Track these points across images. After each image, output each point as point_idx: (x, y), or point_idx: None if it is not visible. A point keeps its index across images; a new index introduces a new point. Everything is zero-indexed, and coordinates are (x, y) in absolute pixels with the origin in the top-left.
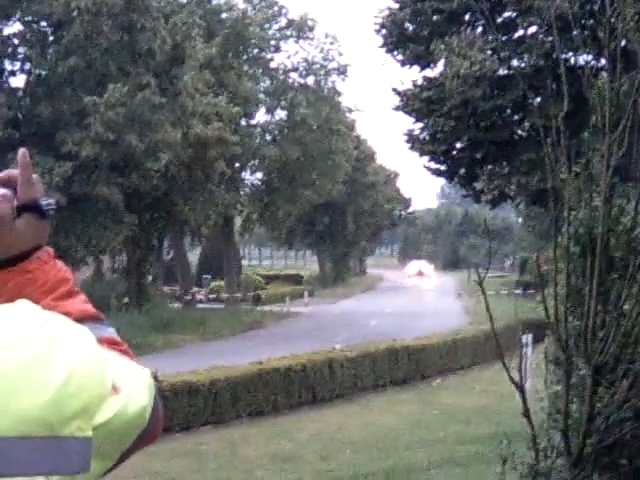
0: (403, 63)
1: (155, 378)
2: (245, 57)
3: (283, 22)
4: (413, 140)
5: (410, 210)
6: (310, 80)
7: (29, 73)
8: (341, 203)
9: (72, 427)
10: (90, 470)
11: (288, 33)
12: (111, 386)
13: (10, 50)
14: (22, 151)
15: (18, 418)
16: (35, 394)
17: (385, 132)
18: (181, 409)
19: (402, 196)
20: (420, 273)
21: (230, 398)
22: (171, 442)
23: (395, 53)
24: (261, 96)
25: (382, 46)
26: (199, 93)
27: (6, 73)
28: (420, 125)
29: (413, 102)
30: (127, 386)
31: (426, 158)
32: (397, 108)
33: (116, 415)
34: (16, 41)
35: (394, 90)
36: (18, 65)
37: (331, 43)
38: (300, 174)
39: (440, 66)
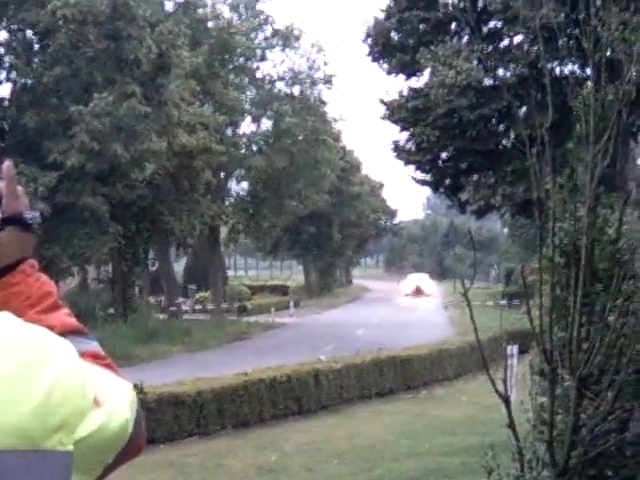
0: (389, 72)
1: (139, 390)
2: (231, 66)
3: (269, 31)
4: (399, 150)
5: (396, 221)
6: (296, 90)
7: (14, 82)
8: (327, 213)
9: (53, 441)
10: None
11: (274, 42)
12: (93, 400)
13: None
14: (7, 164)
15: (3, 431)
16: (16, 407)
17: (371, 142)
18: (166, 420)
19: (388, 207)
20: (418, 291)
21: (215, 409)
22: (156, 453)
23: (381, 62)
24: (247, 105)
25: (368, 55)
26: (185, 102)
27: None
28: (406, 135)
29: (399, 111)
30: (109, 400)
31: (412, 168)
32: (383, 117)
33: (98, 429)
34: (1, 50)
35: (380, 100)
36: (3, 74)
37: (317, 53)
38: (286, 184)
39: (426, 75)
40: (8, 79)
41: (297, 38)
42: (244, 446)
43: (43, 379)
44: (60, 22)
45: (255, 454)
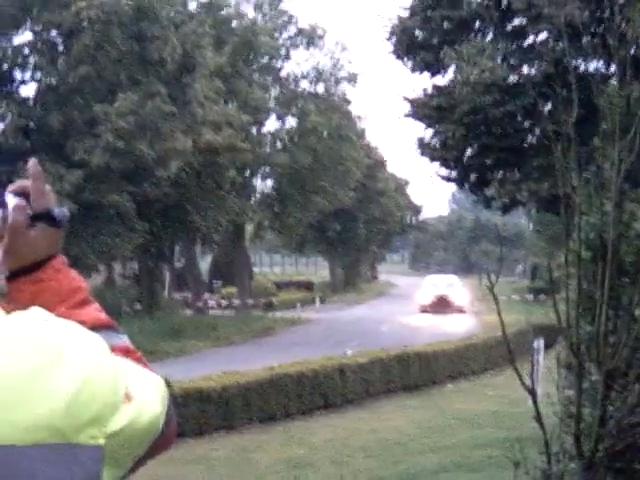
0: (413, 70)
1: (167, 384)
2: (255, 65)
3: (293, 31)
4: (424, 147)
5: (421, 217)
6: (320, 88)
7: (39, 82)
8: (352, 210)
9: (85, 435)
10: (103, 478)
11: (298, 41)
12: (124, 394)
13: (21, 59)
14: (33, 161)
15: (31, 426)
16: (48, 402)
17: (396, 140)
18: (193, 415)
19: (413, 203)
20: (443, 303)
21: (242, 404)
22: (183, 448)
23: (405, 60)
24: (271, 104)
25: (392, 53)
26: (209, 101)
27: (17, 82)
28: (431, 132)
29: (423, 109)
30: (140, 394)
31: (437, 164)
32: (408, 115)
33: (129, 423)
34: (27, 50)
35: (405, 98)
36: (29, 74)
37: (341, 51)
38: (311, 181)
39: (450, 73)
40: (33, 79)
41: (321, 37)
42: (271, 440)
43: (74, 374)
44: (84, 23)
45: (282, 448)
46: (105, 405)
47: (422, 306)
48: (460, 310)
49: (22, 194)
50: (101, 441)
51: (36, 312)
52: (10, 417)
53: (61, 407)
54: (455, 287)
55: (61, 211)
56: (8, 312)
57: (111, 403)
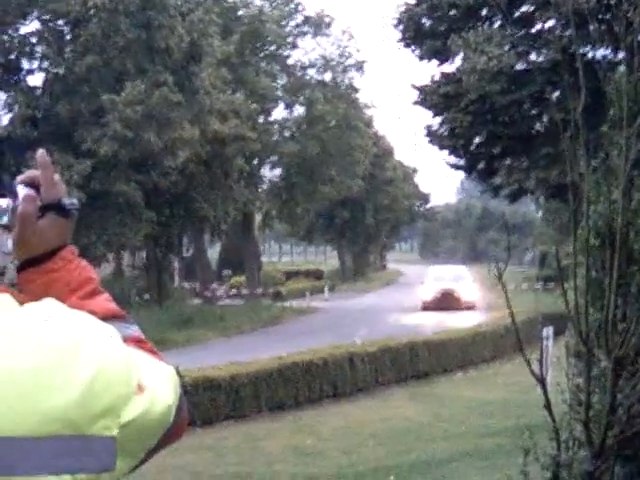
0: (421, 58)
1: (178, 374)
2: (262, 54)
3: (300, 19)
4: (432, 135)
5: (429, 205)
6: (327, 76)
7: (47, 72)
8: (360, 198)
9: (98, 426)
10: (116, 468)
11: (305, 30)
12: (137, 385)
13: (28, 49)
14: (41, 152)
15: (45, 418)
16: (61, 393)
17: (404, 128)
18: (202, 404)
19: (421, 191)
20: (447, 299)
21: (251, 393)
22: (193, 437)
23: (413, 48)
24: (279, 93)
25: (400, 41)
26: (217, 90)
27: (24, 72)
28: (439, 120)
29: (431, 97)
30: (153, 385)
31: (445, 153)
32: (416, 103)
33: (142, 414)
34: (33, 40)
35: (413, 85)
36: (36, 64)
37: (348, 40)
38: (319, 170)
39: (458, 61)
40: (40, 68)
41: (328, 25)
42: (280, 429)
43: (87, 365)
44: (91, 12)
45: (291, 437)
46: (118, 396)
47: (424, 302)
48: (468, 307)
49: (32, 184)
50: (115, 432)
51: (50, 303)
52: (25, 409)
53: (75, 399)
54: (463, 280)
55: (71, 201)
56: (21, 303)
57: (124, 394)
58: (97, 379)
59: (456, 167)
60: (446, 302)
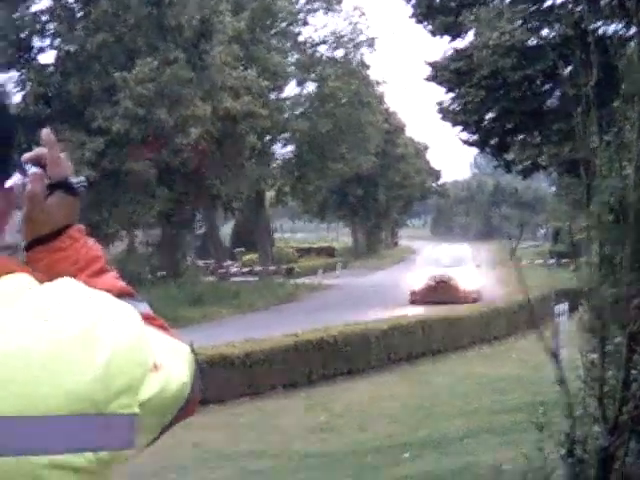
0: (433, 34)
1: (193, 351)
2: (273, 31)
3: None
4: (444, 111)
5: (441, 182)
6: (339, 53)
7: (58, 49)
8: (372, 175)
9: (118, 404)
10: (135, 445)
11: (316, 6)
12: (152, 364)
13: (39, 27)
14: (46, 131)
15: (65, 397)
16: (81, 373)
17: (415, 104)
18: (217, 381)
19: (433, 168)
20: (443, 288)
21: (265, 370)
22: (208, 414)
23: (425, 24)
24: (290, 70)
25: (412, 17)
26: (228, 67)
27: (35, 50)
28: (451, 95)
29: (443, 73)
30: (167, 363)
31: (458, 129)
32: (428, 79)
33: (159, 392)
34: (44, 18)
35: (425, 61)
36: (47, 42)
37: (359, 16)
38: (330, 147)
39: (470, 36)
40: (52, 46)
41: (339, 1)
42: (294, 406)
43: (107, 344)
44: None
45: (306, 414)
46: (136, 375)
47: (412, 294)
48: (468, 299)
49: (38, 163)
50: (135, 410)
51: (67, 282)
52: (45, 389)
53: (94, 378)
54: (465, 263)
55: (78, 180)
56: (41, 282)
57: (141, 373)
58: (116, 358)
59: (469, 143)
60: (440, 293)
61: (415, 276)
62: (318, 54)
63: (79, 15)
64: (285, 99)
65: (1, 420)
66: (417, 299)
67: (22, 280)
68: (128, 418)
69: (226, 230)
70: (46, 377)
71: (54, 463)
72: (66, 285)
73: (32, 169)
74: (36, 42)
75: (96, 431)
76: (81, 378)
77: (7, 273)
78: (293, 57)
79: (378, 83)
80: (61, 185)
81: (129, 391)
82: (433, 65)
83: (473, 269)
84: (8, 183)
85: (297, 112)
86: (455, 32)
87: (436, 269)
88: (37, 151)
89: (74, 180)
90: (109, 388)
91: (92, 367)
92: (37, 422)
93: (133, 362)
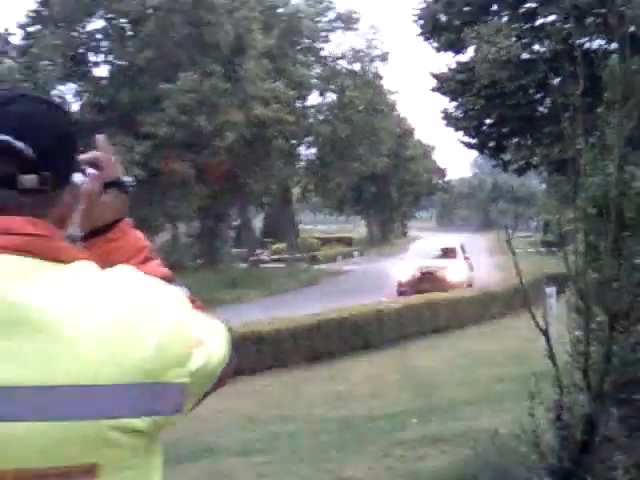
0: (438, 50)
1: (228, 329)
2: (299, 47)
3: (332, 15)
4: (448, 117)
5: (446, 179)
6: (356, 66)
7: (111, 64)
8: (385, 174)
9: (171, 375)
10: (183, 410)
11: (337, 25)
12: (197, 339)
13: (94, 44)
14: (101, 137)
15: (132, 368)
16: (143, 347)
17: (422, 110)
18: (248, 355)
19: (438, 167)
20: (430, 279)
21: (291, 345)
22: (240, 384)
23: (431, 41)
24: (313, 81)
25: (419, 35)
26: (259, 79)
27: (91, 64)
28: (454, 104)
29: (448, 84)
30: (209, 339)
31: (460, 133)
32: (434, 89)
33: (203, 364)
34: (99, 36)
35: (431, 74)
36: (101, 57)
37: (374, 33)
38: (349, 149)
39: (471, 51)
40: (105, 61)
41: (356, 21)
42: (317, 377)
43: (163, 320)
44: (149, 11)
45: (327, 384)
46: (185, 349)
47: (400, 285)
48: (454, 284)
49: (95, 165)
50: (186, 379)
51: (126, 268)
52: (115, 361)
53: (153, 352)
54: (455, 256)
55: (129, 179)
56: (102, 269)
57: (190, 346)
58: (170, 333)
59: (469, 146)
60: (426, 284)
61: (403, 268)
62: (338, 67)
63: (129, 34)
64: (309, 107)
65: (78, 388)
66: (404, 290)
67: (88, 266)
68: (180, 387)
69: (257, 222)
70: (114, 351)
71: (120, 426)
72: (125, 271)
73: (89, 170)
74: (91, 57)
75: (154, 398)
76: (142, 352)
77: (75, 260)
78: (316, 70)
79: (390, 92)
80: (114, 184)
81: (180, 363)
82: (437, 77)
83: (461, 261)
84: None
85: (320, 118)
86: (457, 48)
87: (424, 261)
88: (93, 154)
89: (125, 180)
90: (164, 361)
91: (150, 343)
92: (107, 391)
93: (182, 338)
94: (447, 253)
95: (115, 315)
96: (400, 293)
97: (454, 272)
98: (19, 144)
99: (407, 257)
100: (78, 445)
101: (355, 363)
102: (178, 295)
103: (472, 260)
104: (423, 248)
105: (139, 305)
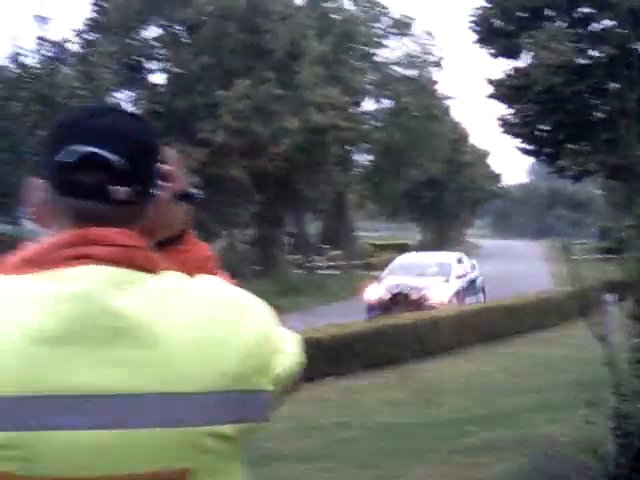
0: (495, 55)
1: None
2: (354, 53)
3: (386, 21)
4: (505, 125)
5: (502, 185)
6: (411, 72)
7: (167, 71)
8: (441, 180)
9: (262, 381)
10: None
11: (391, 31)
12: (278, 346)
13: (149, 51)
14: (170, 150)
15: (221, 376)
16: (231, 355)
17: (477, 116)
18: (305, 362)
19: (494, 173)
20: (401, 301)
21: (348, 352)
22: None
23: (486, 46)
24: (368, 87)
25: (476, 42)
26: (314, 85)
27: (146, 71)
28: (510, 111)
29: (503, 89)
30: (286, 344)
31: (516, 140)
32: (490, 96)
33: (283, 370)
34: (155, 43)
35: (487, 80)
36: (158, 64)
37: (428, 39)
38: (404, 155)
39: (526, 57)
40: (163, 69)
41: (410, 26)
42: (374, 384)
43: (249, 328)
44: (204, 18)
45: (384, 390)
46: (268, 355)
47: (370, 306)
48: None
49: (164, 177)
50: (270, 386)
51: (211, 277)
52: (204, 368)
53: (240, 360)
54: (444, 273)
55: (196, 191)
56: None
57: (272, 353)
58: (258, 340)
59: (525, 152)
60: (398, 306)
61: (373, 287)
62: (393, 73)
63: (185, 41)
64: (364, 113)
65: (172, 396)
66: (374, 309)
67: (178, 276)
68: (265, 393)
69: (313, 229)
70: (205, 360)
71: (212, 432)
72: (212, 280)
73: (160, 182)
74: (147, 64)
75: (242, 405)
76: (230, 360)
77: (166, 270)
78: (371, 76)
79: (445, 97)
80: (184, 196)
81: (264, 370)
82: (493, 83)
83: (452, 279)
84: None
85: (375, 124)
86: (512, 53)
87: (400, 279)
88: (167, 167)
89: (194, 192)
90: (250, 368)
91: (238, 351)
92: (201, 398)
93: (266, 345)
94: (433, 269)
95: (206, 324)
96: (369, 312)
97: (433, 293)
98: (111, 156)
99: (384, 274)
100: (173, 451)
101: (412, 371)
102: (259, 302)
103: (474, 275)
104: (409, 263)
105: (227, 314)
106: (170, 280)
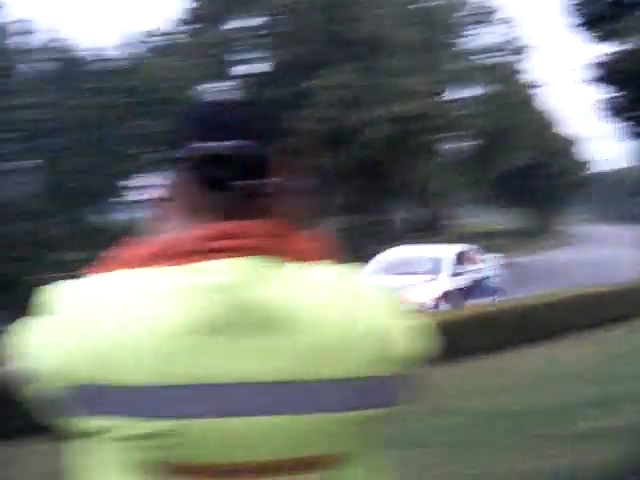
0: (600, 39)
1: None
2: (440, 41)
3: (472, 9)
4: (612, 108)
5: (596, 171)
6: (497, 59)
7: (255, 62)
8: (534, 166)
9: (389, 368)
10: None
11: (478, 19)
12: (404, 331)
13: (236, 43)
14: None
15: (358, 363)
16: (368, 343)
17: (566, 102)
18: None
19: (586, 159)
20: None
21: (459, 338)
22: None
23: (585, 31)
24: (456, 75)
25: (578, 26)
26: (401, 74)
27: (233, 63)
28: (616, 94)
29: (610, 73)
30: (411, 330)
31: (619, 123)
32: (592, 80)
33: (411, 355)
34: (241, 35)
35: (594, 63)
36: (245, 55)
37: (514, 27)
38: (494, 143)
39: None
40: (248, 59)
41: (495, 13)
42: (477, 370)
43: (382, 315)
44: (290, 8)
45: (487, 377)
46: (399, 342)
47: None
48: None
49: (291, 168)
50: (399, 372)
51: (345, 266)
52: (350, 355)
53: (376, 348)
54: (434, 270)
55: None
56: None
57: (402, 339)
58: (387, 328)
59: (637, 135)
60: None
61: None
62: (480, 61)
63: (274, 32)
64: (453, 101)
65: (323, 383)
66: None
67: (316, 264)
68: (394, 380)
69: (411, 216)
70: (346, 345)
71: (346, 419)
72: (347, 269)
73: (288, 174)
74: (234, 56)
75: (368, 392)
76: (367, 347)
77: (312, 259)
78: (458, 64)
79: (534, 85)
80: (308, 187)
81: (395, 356)
82: (603, 65)
83: (442, 277)
84: None
85: (463, 113)
86: (618, 37)
87: (378, 277)
88: (290, 159)
89: (313, 182)
90: (382, 355)
91: (372, 337)
92: (335, 385)
93: (397, 331)
94: (422, 266)
95: (344, 312)
96: None
97: (412, 294)
98: (252, 149)
99: (367, 270)
100: (327, 436)
101: (515, 357)
102: (387, 290)
103: (485, 273)
104: (395, 258)
105: (363, 302)
106: (311, 269)
